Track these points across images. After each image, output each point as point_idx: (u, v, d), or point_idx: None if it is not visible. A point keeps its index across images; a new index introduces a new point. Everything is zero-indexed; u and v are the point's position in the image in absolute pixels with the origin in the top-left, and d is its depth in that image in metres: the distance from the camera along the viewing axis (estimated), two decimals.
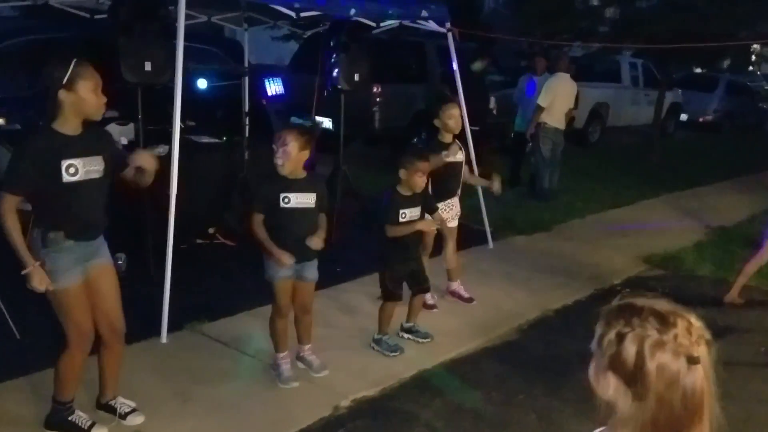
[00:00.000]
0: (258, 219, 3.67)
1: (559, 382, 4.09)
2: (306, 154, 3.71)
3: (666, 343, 1.27)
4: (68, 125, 2.94)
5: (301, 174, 3.72)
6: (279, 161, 3.64)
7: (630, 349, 1.29)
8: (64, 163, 2.89)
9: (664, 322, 1.30)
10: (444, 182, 4.90)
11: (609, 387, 1.33)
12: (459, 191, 5.10)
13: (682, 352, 1.27)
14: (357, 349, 4.35)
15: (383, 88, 9.81)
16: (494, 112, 10.61)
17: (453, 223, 5.06)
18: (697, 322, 1.33)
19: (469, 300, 5.22)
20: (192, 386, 3.76)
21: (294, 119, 3.91)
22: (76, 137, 2.96)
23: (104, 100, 2.99)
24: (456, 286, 5.27)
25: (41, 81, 2.92)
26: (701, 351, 1.29)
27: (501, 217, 7.46)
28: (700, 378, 1.28)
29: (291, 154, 3.63)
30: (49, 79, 2.88)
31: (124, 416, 3.35)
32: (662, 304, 1.34)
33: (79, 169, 2.94)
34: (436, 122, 4.88)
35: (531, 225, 7.49)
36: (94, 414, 3.35)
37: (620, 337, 1.31)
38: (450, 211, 4.97)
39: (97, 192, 3.06)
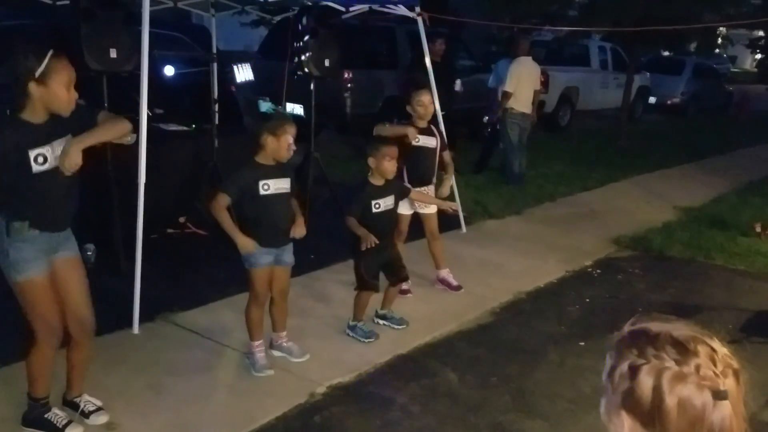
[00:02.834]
0: (223, 200, 3.61)
1: (532, 363, 4.15)
2: None
3: (687, 376, 1.10)
4: (35, 115, 2.84)
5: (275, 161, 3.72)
6: (291, 153, 3.68)
7: (645, 385, 1.12)
8: (33, 153, 2.80)
9: (684, 350, 1.12)
10: (417, 168, 4.90)
11: (623, 427, 1.16)
12: (434, 179, 5.09)
13: (706, 386, 1.10)
14: (331, 336, 4.34)
15: (354, 74, 9.75)
16: (460, 94, 10.58)
17: (431, 209, 5.06)
18: (722, 349, 1.16)
19: (458, 288, 5.20)
20: (165, 377, 3.73)
21: (262, 104, 3.83)
22: (42, 125, 2.86)
23: (75, 96, 2.90)
24: (445, 274, 5.26)
25: (11, 69, 2.80)
26: (729, 383, 1.12)
27: (473, 201, 7.51)
28: (728, 414, 1.10)
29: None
30: (20, 69, 2.77)
31: (87, 415, 3.27)
32: (681, 329, 1.17)
33: (48, 158, 2.84)
34: (409, 109, 4.87)
35: (503, 209, 7.55)
36: (68, 411, 3.28)
37: (634, 371, 1.14)
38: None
39: (66, 179, 2.93)
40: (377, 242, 4.03)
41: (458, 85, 9.70)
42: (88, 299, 3.20)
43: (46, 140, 2.85)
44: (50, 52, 2.79)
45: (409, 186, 4.67)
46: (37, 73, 2.75)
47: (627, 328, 1.22)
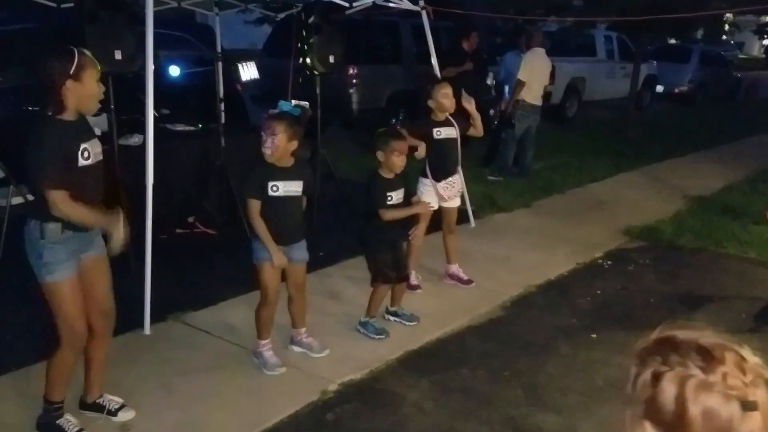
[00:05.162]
0: (255, 206, 3.62)
1: (544, 357, 4.13)
2: (295, 144, 3.66)
3: (713, 385, 1.05)
4: (69, 115, 2.93)
5: (289, 162, 3.69)
6: (267, 151, 3.59)
7: (668, 393, 1.07)
8: (81, 146, 2.91)
9: (710, 358, 1.07)
10: (442, 162, 4.86)
11: None
12: (459, 168, 5.06)
13: (733, 396, 1.04)
14: (342, 333, 4.34)
15: (359, 69, 9.74)
16: (493, 88, 10.54)
17: (455, 203, 5.05)
18: (753, 358, 1.10)
19: (468, 282, 5.18)
20: (176, 377, 3.74)
21: (282, 104, 3.81)
22: (76, 122, 2.96)
23: (103, 88, 3.04)
24: (455, 269, 5.25)
25: (45, 73, 2.85)
26: (760, 394, 1.05)
27: (481, 195, 7.48)
28: (758, 428, 1.04)
29: (279, 145, 3.59)
30: (56, 71, 2.84)
31: (114, 413, 3.30)
32: (708, 336, 1.11)
33: (90, 153, 2.95)
34: (430, 103, 4.82)
35: (511, 202, 7.52)
36: (80, 416, 3.28)
37: (656, 378, 1.09)
38: (452, 189, 4.94)
39: (100, 175, 3.07)
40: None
41: (490, 77, 9.69)
42: (111, 292, 3.25)
43: (87, 137, 2.98)
44: (75, 50, 2.90)
45: (413, 190, 4.61)
46: (72, 71, 2.85)
47: (653, 335, 1.16)
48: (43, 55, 2.93)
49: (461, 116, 5.00)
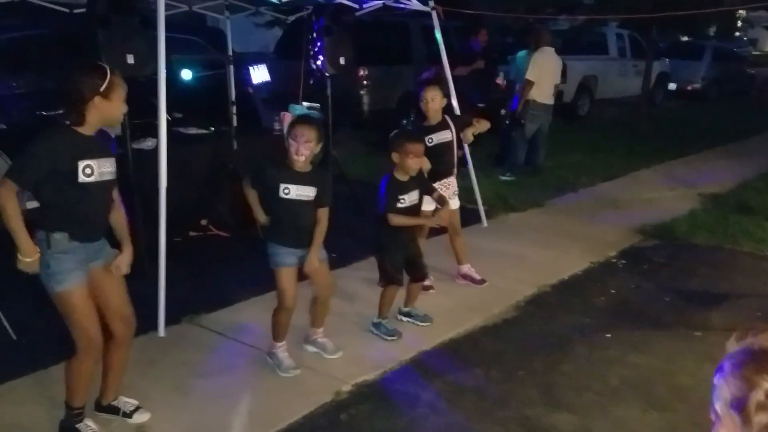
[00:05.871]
0: (246, 182, 3.80)
1: (558, 356, 4.11)
2: (320, 147, 3.68)
3: None
4: (88, 129, 2.94)
5: (307, 167, 3.68)
6: (300, 158, 3.59)
7: None
8: (81, 164, 2.89)
9: None
10: (435, 163, 4.85)
11: None
12: (455, 170, 5.03)
13: None
14: (355, 334, 4.34)
15: (370, 70, 9.75)
16: (502, 87, 10.51)
17: (453, 204, 5.02)
18: None
19: (481, 282, 5.17)
20: (192, 379, 3.75)
21: (295, 108, 3.78)
22: (93, 138, 2.97)
23: (127, 108, 3.04)
24: (467, 269, 5.24)
25: (75, 87, 2.88)
26: None
27: (494, 195, 7.47)
28: None
29: (313, 150, 3.62)
30: (87, 86, 2.87)
31: (129, 414, 3.33)
32: None
33: (94, 170, 2.94)
34: (421, 105, 4.82)
35: (524, 202, 7.49)
36: (95, 418, 3.29)
37: None
38: (447, 190, 4.92)
39: (106, 193, 3.07)
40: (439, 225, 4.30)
41: (501, 77, 9.67)
42: (129, 300, 3.26)
43: (95, 154, 2.95)
44: (108, 69, 2.94)
45: (434, 186, 4.59)
46: (102, 89, 2.88)
47: (736, 346, 1.09)
48: (74, 66, 2.95)
49: (469, 114, 4.98)
